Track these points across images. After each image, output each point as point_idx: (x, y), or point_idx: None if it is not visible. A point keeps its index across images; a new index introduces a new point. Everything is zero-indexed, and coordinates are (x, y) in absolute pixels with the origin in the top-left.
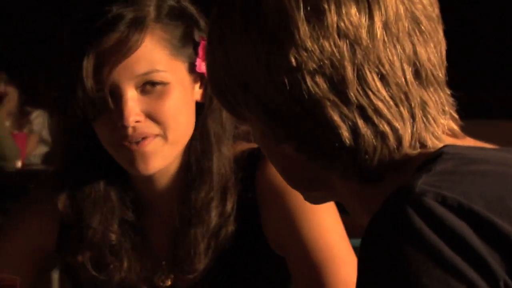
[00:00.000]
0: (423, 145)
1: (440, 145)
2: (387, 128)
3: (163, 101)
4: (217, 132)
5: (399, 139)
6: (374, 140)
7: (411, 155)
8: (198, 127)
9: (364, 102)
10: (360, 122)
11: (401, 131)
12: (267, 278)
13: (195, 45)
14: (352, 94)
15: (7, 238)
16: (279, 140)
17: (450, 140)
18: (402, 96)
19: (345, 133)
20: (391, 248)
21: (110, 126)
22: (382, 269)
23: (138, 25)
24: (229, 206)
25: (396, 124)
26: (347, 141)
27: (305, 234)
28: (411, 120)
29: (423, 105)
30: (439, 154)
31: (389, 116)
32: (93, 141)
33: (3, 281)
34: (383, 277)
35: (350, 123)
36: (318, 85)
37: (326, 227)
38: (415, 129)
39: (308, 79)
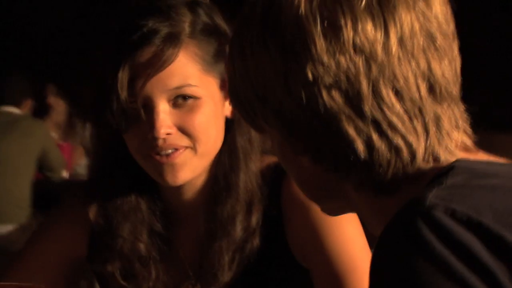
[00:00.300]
0: (436, 159)
1: (453, 159)
2: (401, 142)
3: (194, 115)
4: (245, 148)
5: (412, 153)
6: (388, 154)
7: (424, 169)
8: (227, 142)
9: (379, 116)
10: (375, 136)
11: (414, 146)
12: None
13: None
14: (367, 108)
15: (38, 246)
16: (296, 151)
17: (463, 154)
18: (416, 111)
19: (360, 147)
20: (401, 260)
21: (141, 137)
22: (392, 280)
23: (173, 40)
24: (254, 220)
25: (410, 139)
26: (362, 154)
27: (329, 247)
28: (425, 135)
29: (437, 120)
30: (451, 168)
31: (403, 130)
32: (125, 152)
33: None
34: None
35: (365, 137)
36: (334, 99)
37: (349, 239)
38: (428, 143)
39: (324, 93)
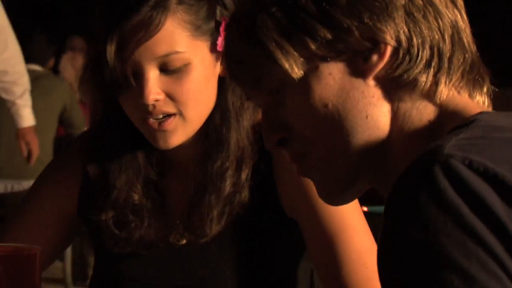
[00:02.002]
0: (457, 105)
1: (475, 111)
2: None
3: (183, 81)
4: (237, 105)
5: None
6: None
7: (448, 113)
8: (219, 100)
9: None
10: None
11: None
12: (281, 244)
13: (218, 24)
14: None
15: (32, 203)
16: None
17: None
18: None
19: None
20: (414, 206)
21: (133, 102)
22: (403, 224)
23: (160, 7)
24: (243, 176)
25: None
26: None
27: (319, 203)
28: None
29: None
30: (473, 120)
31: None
32: (121, 110)
33: (24, 250)
34: (404, 232)
35: None
36: None
37: None
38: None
39: None
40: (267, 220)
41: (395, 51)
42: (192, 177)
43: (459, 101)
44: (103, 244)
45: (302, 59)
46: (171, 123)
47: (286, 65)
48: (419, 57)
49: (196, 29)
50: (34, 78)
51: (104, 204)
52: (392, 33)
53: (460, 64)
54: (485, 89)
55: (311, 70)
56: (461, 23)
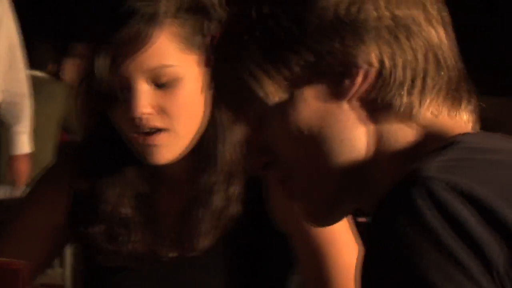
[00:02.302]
0: (441, 127)
1: (459, 131)
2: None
3: (173, 95)
4: (227, 119)
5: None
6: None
7: (430, 135)
8: (210, 114)
9: None
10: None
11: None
12: (272, 258)
13: (209, 38)
14: None
15: (22, 216)
16: (339, 92)
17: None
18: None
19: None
20: (393, 229)
21: (122, 116)
22: (383, 249)
23: (150, 20)
24: (234, 190)
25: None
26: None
27: None
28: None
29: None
30: (455, 141)
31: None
32: (111, 123)
33: (8, 265)
34: (384, 256)
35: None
36: None
37: None
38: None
39: None
40: (259, 234)
41: (367, 74)
42: (182, 191)
43: (440, 122)
44: (92, 257)
45: (276, 86)
46: (161, 138)
47: (261, 93)
48: (392, 79)
49: (187, 43)
50: (37, 83)
51: (92, 217)
52: (363, 56)
53: (435, 83)
54: (467, 106)
55: (286, 96)
56: (436, 40)
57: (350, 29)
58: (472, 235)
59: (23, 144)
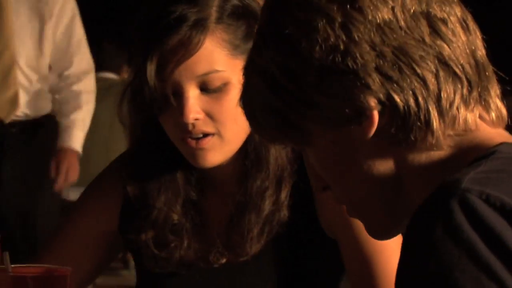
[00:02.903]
0: (476, 138)
1: (497, 139)
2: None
3: (222, 101)
4: None
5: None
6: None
7: (466, 147)
8: None
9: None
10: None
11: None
12: (321, 263)
13: None
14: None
15: (74, 221)
16: (361, 134)
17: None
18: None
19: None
20: (429, 240)
21: (173, 121)
22: (418, 259)
23: (200, 26)
24: (283, 195)
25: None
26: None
27: (357, 225)
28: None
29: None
30: (492, 152)
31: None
32: (161, 129)
33: (54, 271)
34: (419, 266)
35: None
36: None
37: None
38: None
39: None
40: (307, 239)
41: (383, 112)
42: (231, 196)
43: (472, 132)
44: (144, 263)
45: (299, 131)
46: (208, 142)
47: (286, 141)
48: (406, 113)
49: (235, 48)
50: (109, 86)
51: (143, 224)
52: (372, 99)
53: (452, 99)
54: (494, 104)
55: (312, 139)
56: (448, 51)
57: (352, 77)
58: (508, 248)
59: (80, 140)
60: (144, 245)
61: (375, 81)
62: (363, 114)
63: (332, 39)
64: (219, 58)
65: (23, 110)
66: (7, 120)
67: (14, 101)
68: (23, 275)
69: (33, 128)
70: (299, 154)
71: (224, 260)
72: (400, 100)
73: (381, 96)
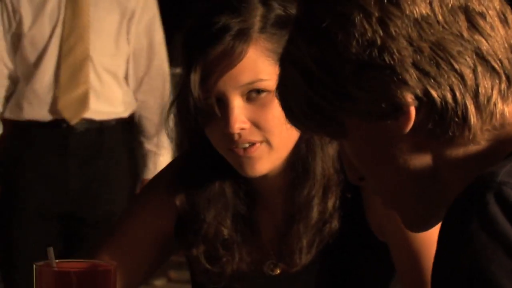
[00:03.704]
0: None
1: None
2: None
3: (267, 109)
4: None
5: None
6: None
7: (504, 139)
8: None
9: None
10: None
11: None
12: (372, 269)
13: None
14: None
15: (129, 223)
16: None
17: None
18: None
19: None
20: (465, 233)
21: (219, 132)
22: (454, 252)
23: (243, 36)
24: (330, 204)
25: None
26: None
27: None
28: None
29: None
30: None
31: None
32: (208, 141)
33: (98, 267)
34: (454, 259)
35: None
36: None
37: None
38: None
39: None
40: (358, 247)
41: (420, 108)
42: (279, 207)
43: (510, 125)
44: (197, 277)
45: (334, 124)
46: (256, 150)
47: (321, 132)
48: (444, 109)
49: (276, 56)
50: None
51: (194, 239)
52: (409, 95)
53: (491, 92)
54: None
55: (348, 131)
56: (486, 46)
57: (389, 72)
58: None
59: (158, 168)
60: (196, 260)
61: (412, 76)
62: (400, 109)
63: (369, 34)
64: (263, 67)
65: (92, 111)
66: (74, 121)
67: (83, 101)
68: (67, 270)
69: (100, 132)
70: None
71: (278, 271)
72: (438, 95)
73: (418, 91)
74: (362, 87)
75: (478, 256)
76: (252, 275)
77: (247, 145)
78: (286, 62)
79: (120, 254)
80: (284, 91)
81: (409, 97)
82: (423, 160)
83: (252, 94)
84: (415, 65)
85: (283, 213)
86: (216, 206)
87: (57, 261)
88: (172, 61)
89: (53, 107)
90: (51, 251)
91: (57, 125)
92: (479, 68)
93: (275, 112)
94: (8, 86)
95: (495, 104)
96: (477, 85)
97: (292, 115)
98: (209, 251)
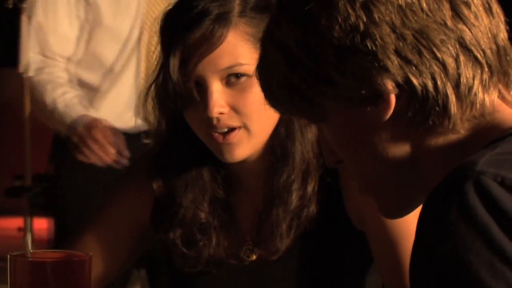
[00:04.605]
0: (494, 120)
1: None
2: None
3: (246, 94)
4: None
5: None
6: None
7: (484, 128)
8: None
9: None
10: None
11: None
12: (349, 257)
13: None
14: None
15: (108, 211)
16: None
17: None
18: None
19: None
20: (444, 222)
21: (198, 116)
22: (432, 241)
23: (222, 20)
24: (309, 188)
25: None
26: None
27: None
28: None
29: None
30: (511, 133)
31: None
32: (187, 125)
33: (74, 256)
34: (432, 249)
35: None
36: None
37: None
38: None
39: None
40: (335, 233)
41: (400, 97)
42: (258, 192)
43: (491, 115)
44: (173, 261)
45: (315, 107)
46: (235, 136)
47: (300, 115)
48: (424, 97)
49: (256, 41)
50: None
51: (171, 223)
52: (389, 82)
53: (472, 81)
54: None
55: (328, 115)
56: (469, 35)
57: (371, 58)
58: None
59: None
60: (173, 244)
61: (393, 63)
62: (380, 96)
63: (352, 19)
64: (242, 52)
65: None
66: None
67: None
68: (42, 260)
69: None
70: None
71: (254, 257)
72: (419, 83)
73: (399, 79)
74: (343, 72)
75: (457, 247)
76: (229, 260)
77: (225, 129)
78: (267, 42)
79: (101, 241)
80: (265, 72)
81: (390, 84)
82: (402, 147)
83: (232, 78)
84: (397, 52)
85: (262, 198)
86: (194, 190)
87: (31, 251)
88: None
89: None
90: (27, 240)
91: None
92: (462, 58)
93: (254, 97)
94: None
95: (476, 94)
96: (459, 75)
97: (272, 96)
98: (186, 235)
